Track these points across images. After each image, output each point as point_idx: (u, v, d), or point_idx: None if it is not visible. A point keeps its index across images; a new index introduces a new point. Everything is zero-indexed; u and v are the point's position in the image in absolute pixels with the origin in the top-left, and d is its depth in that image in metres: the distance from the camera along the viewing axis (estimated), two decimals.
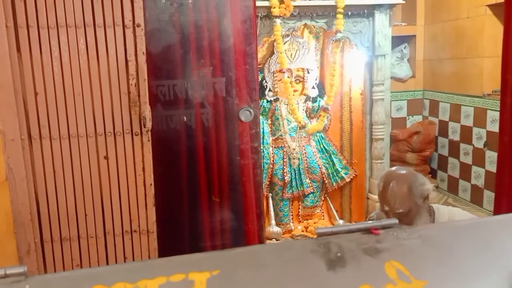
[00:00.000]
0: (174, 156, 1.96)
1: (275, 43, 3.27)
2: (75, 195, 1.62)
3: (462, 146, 4.10)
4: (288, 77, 3.40)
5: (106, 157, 1.64)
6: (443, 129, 4.36)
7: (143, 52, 1.69)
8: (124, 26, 1.63)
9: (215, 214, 2.07)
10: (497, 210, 2.34)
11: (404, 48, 4.65)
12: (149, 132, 1.69)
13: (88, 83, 1.63)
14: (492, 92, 3.67)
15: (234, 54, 1.89)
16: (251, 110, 1.96)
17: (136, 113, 1.63)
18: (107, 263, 1.64)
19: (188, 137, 1.98)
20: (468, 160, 4.02)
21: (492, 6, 3.64)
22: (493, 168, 3.58)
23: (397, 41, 4.58)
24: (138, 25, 1.64)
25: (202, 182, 2.02)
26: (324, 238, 0.64)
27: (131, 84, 1.62)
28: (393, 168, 1.76)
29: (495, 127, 3.58)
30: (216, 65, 1.88)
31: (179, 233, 1.98)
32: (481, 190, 3.87)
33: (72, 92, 1.62)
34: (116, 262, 1.63)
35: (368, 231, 0.66)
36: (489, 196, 3.77)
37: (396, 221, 0.67)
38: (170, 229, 1.93)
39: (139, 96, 1.66)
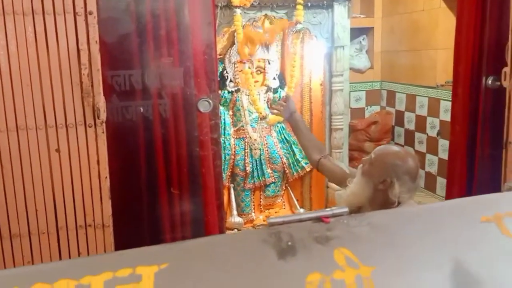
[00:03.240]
0: (131, 148, 1.92)
1: (235, 33, 3.25)
2: (25, 189, 1.55)
3: (417, 135, 4.25)
4: (249, 67, 3.39)
5: (58, 150, 1.58)
6: (400, 119, 4.49)
7: (96, 41, 1.63)
8: (75, 13, 1.57)
9: (175, 207, 2.04)
10: (448, 196, 2.45)
11: (363, 40, 4.74)
12: (104, 124, 1.64)
13: (38, 73, 1.56)
14: (445, 83, 3.81)
15: (192, 44, 1.86)
16: (210, 101, 1.94)
17: (89, 104, 1.58)
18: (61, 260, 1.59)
19: (146, 128, 1.94)
20: (423, 148, 4.17)
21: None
22: (445, 155, 3.73)
23: (356, 33, 4.65)
24: (90, 13, 1.58)
25: (161, 174, 1.99)
26: (275, 228, 0.65)
27: (84, 74, 1.57)
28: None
29: (447, 117, 3.72)
30: (174, 55, 1.84)
31: (137, 227, 1.94)
32: (435, 177, 4.03)
33: (20, 83, 1.55)
34: (70, 258, 1.58)
35: (319, 219, 0.66)
36: (441, 183, 3.93)
37: (347, 209, 0.68)
38: (128, 223, 1.89)
39: (92, 86, 1.61)
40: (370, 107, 4.85)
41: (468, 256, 0.62)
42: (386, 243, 0.62)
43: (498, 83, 1.92)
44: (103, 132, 1.63)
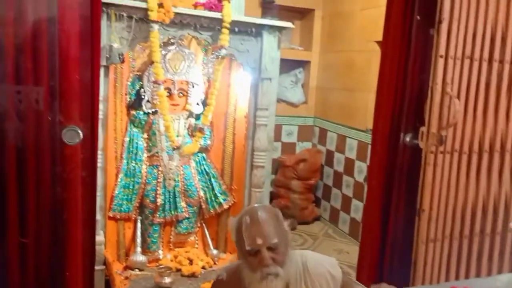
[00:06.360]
0: None
1: (151, 51, 2.91)
2: None
3: (345, 178, 4.07)
4: (166, 89, 3.05)
5: None
6: (329, 158, 4.31)
7: None
8: None
9: (27, 260, 1.63)
10: (361, 259, 2.20)
11: (299, 72, 4.57)
12: None
13: None
14: None
15: (59, 58, 1.50)
16: (80, 131, 1.57)
17: None
18: None
19: None
20: (349, 192, 3.99)
21: (380, 43, 3.66)
22: None
23: (293, 64, 4.48)
24: None
25: (12, 219, 1.58)
26: None
27: None
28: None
29: None
30: (28, 69, 1.46)
31: None
32: (359, 224, 3.85)
33: None
34: None
35: None
36: None
37: None
38: None
39: None
40: (302, 142, 4.65)
41: None
42: None
43: (416, 141, 1.71)
44: None
